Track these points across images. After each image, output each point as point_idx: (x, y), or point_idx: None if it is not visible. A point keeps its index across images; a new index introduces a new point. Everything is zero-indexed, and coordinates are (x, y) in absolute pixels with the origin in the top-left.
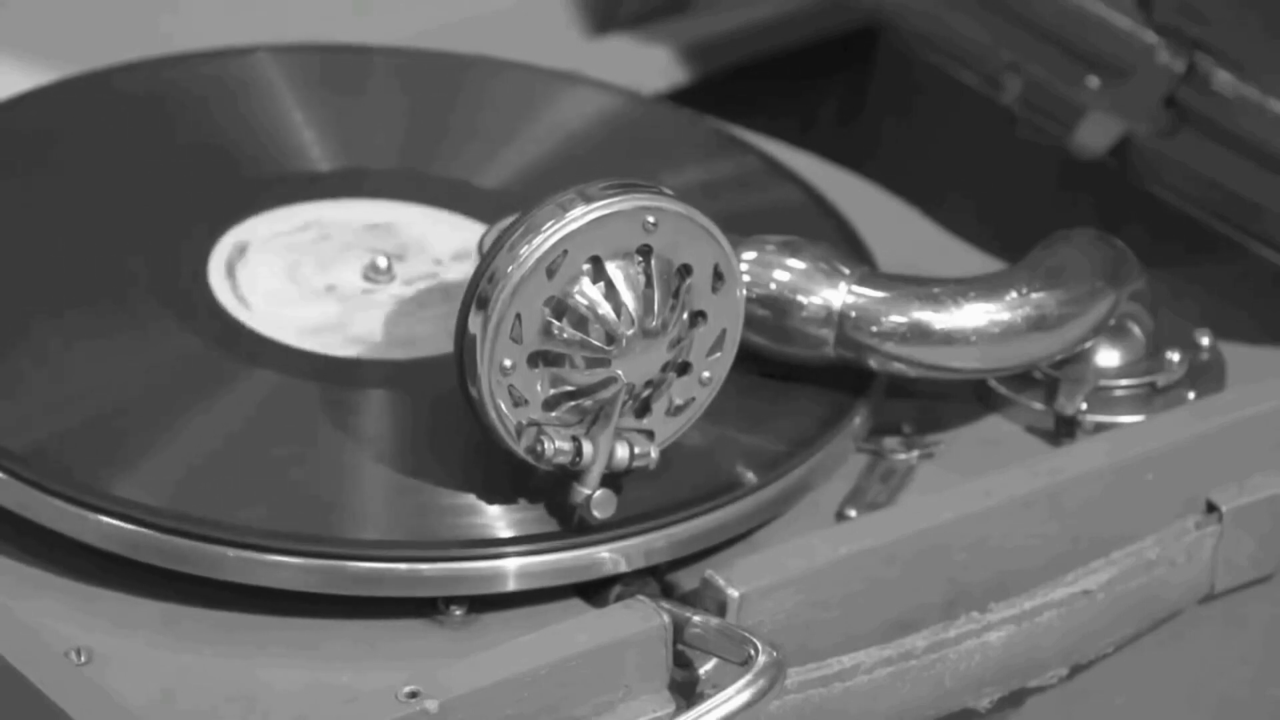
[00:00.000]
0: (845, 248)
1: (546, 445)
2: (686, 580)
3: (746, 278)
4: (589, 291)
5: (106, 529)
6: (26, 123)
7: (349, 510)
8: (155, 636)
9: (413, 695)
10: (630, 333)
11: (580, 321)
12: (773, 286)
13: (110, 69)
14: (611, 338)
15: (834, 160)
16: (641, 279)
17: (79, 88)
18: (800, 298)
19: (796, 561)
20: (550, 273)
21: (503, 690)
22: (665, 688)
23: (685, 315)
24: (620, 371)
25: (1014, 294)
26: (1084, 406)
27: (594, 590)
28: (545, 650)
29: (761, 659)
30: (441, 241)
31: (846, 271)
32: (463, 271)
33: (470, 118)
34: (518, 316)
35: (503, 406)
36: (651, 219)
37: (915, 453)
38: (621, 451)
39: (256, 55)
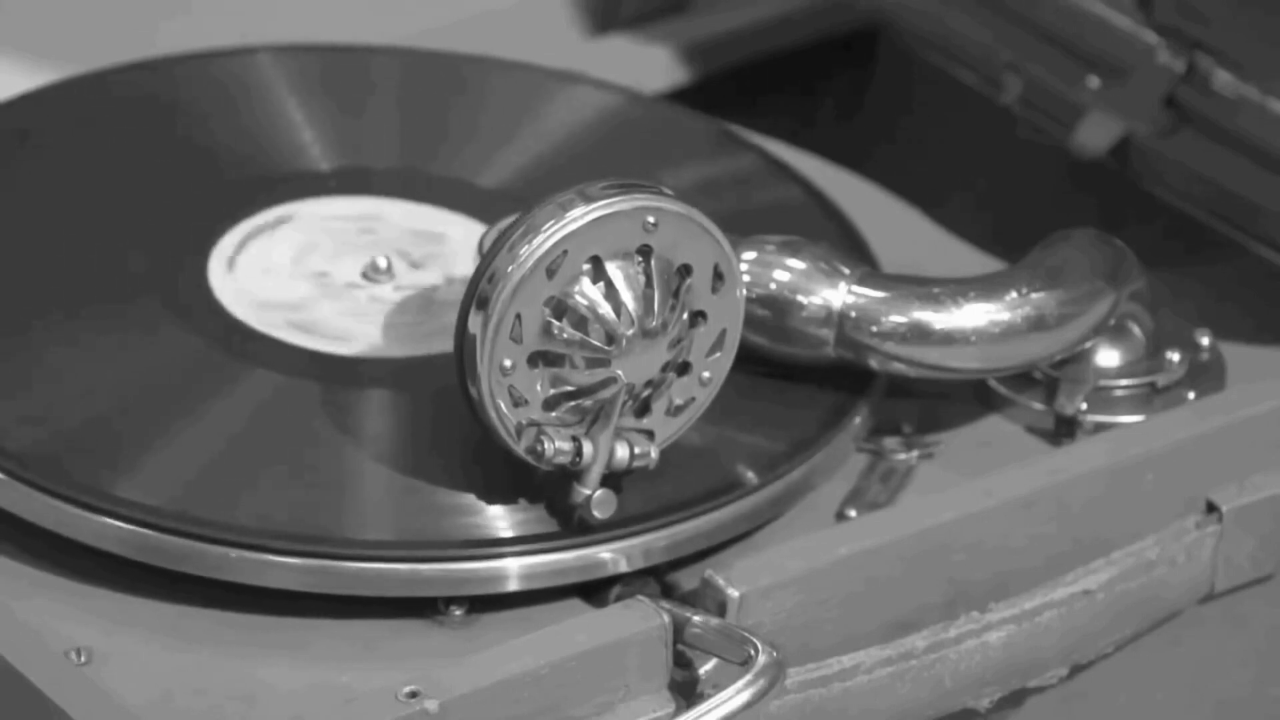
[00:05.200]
0: (845, 248)
1: (546, 445)
2: (686, 580)
3: (746, 278)
4: (589, 291)
5: (107, 529)
6: (26, 123)
7: (349, 510)
8: (155, 636)
9: (413, 695)
10: (630, 333)
11: (580, 321)
12: (773, 286)
13: (109, 69)
14: (611, 338)
15: (834, 160)
16: (641, 279)
17: (78, 88)
18: (800, 298)
19: (796, 561)
20: (550, 273)
21: (503, 690)
22: (665, 688)
23: (685, 315)
24: (620, 371)
25: (1014, 294)
26: (1084, 406)
27: (594, 590)
28: (545, 650)
29: (761, 659)
30: (441, 241)
31: (846, 271)
32: (463, 271)
33: (470, 118)
34: (518, 316)
35: (503, 406)
36: (651, 219)
37: (915, 453)
38: (621, 451)
39: (257, 56)
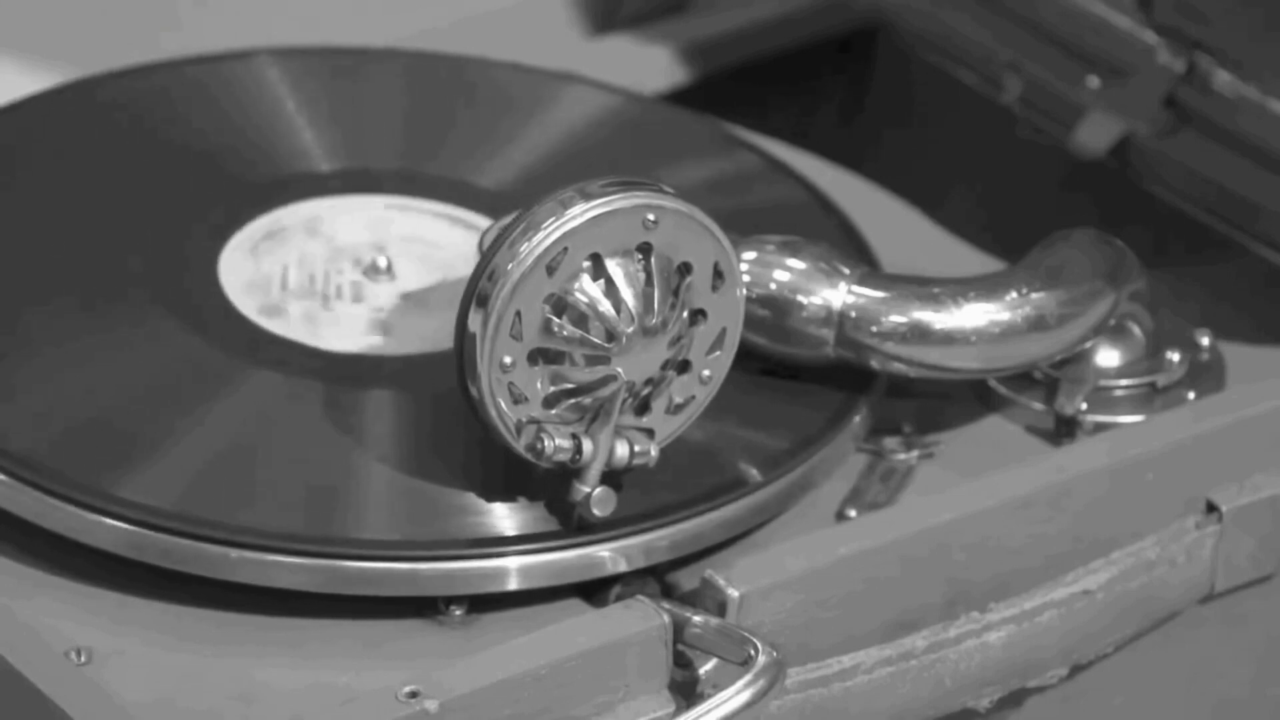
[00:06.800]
0: (845, 248)
1: (546, 443)
2: (686, 580)
3: (746, 278)
4: (589, 289)
5: (107, 529)
6: (29, 126)
7: (349, 510)
8: (155, 636)
9: (413, 695)
10: (630, 330)
11: (580, 319)
12: (773, 286)
13: (110, 73)
14: (611, 335)
15: (834, 160)
16: (641, 277)
17: (81, 91)
18: (800, 298)
19: (796, 561)
20: (550, 270)
21: (503, 690)
22: (665, 688)
23: (685, 313)
24: (620, 369)
25: (1014, 294)
26: (1084, 406)
27: (594, 590)
28: (545, 650)
29: (761, 659)
30: (442, 241)
31: (846, 271)
32: (463, 270)
33: (470, 118)
34: (518, 314)
35: (502, 404)
36: (652, 217)
37: (915, 453)
38: (621, 449)
39: (258, 58)
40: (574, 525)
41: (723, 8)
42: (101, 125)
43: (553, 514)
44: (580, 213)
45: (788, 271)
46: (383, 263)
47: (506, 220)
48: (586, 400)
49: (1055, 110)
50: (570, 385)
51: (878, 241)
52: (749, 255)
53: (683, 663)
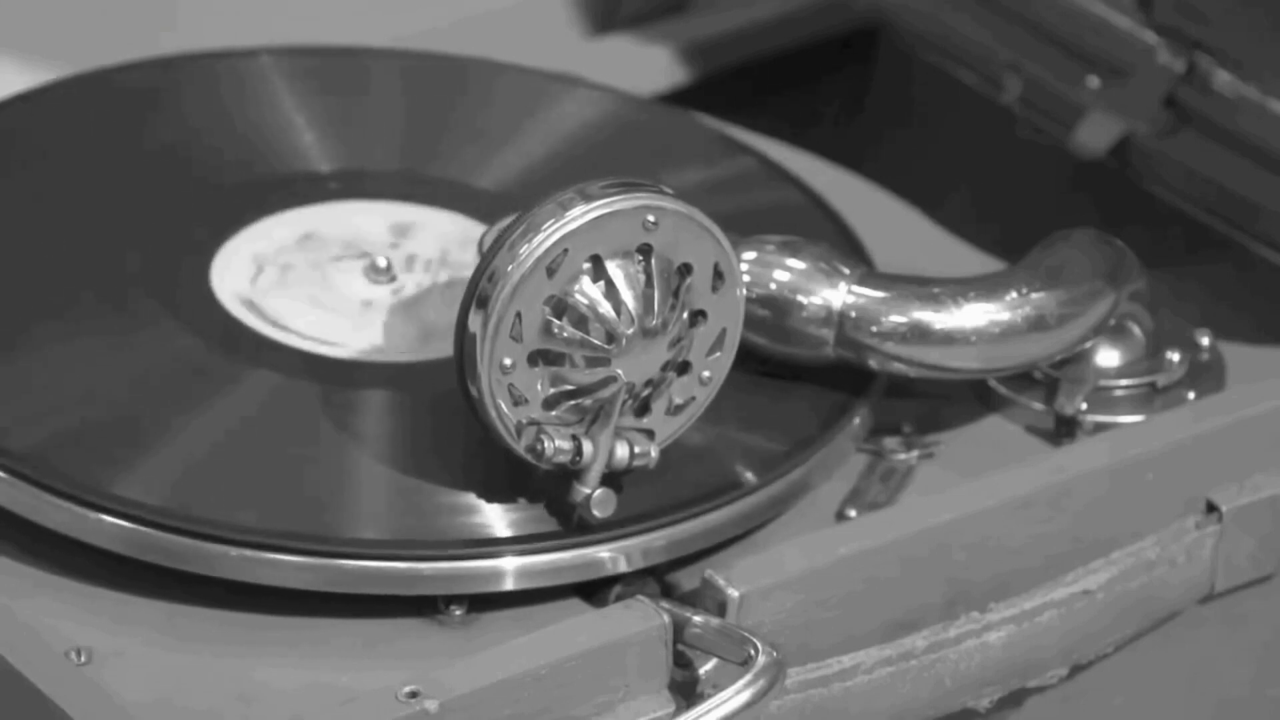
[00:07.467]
0: (845, 248)
1: (546, 444)
2: (686, 580)
3: (746, 278)
4: (589, 290)
5: (106, 528)
6: (25, 122)
7: (348, 509)
8: (155, 636)
9: (412, 695)
10: (630, 332)
11: (580, 320)
12: (773, 286)
13: (110, 69)
14: (611, 337)
15: (834, 160)
16: (641, 278)
17: (78, 87)
18: (800, 298)
19: (796, 561)
20: (550, 272)
21: (503, 690)
22: (665, 688)
23: (685, 314)
24: (620, 370)
25: (1014, 294)
26: (1084, 406)
27: (594, 590)
28: (545, 650)
29: (761, 659)
30: (442, 242)
31: (846, 271)
32: (463, 271)
33: (470, 119)
34: (518, 315)
35: (503, 405)
36: (652, 218)
37: (915, 453)
38: (621, 450)
39: (258, 57)
40: (574, 525)
41: (723, 8)
42: (98, 122)
43: (552, 514)
44: (580, 214)
45: (788, 271)
46: (382, 263)
47: (506, 221)
48: (587, 402)
49: (1055, 110)
50: (570, 387)
51: (878, 241)
52: (749, 255)
53: (683, 663)
